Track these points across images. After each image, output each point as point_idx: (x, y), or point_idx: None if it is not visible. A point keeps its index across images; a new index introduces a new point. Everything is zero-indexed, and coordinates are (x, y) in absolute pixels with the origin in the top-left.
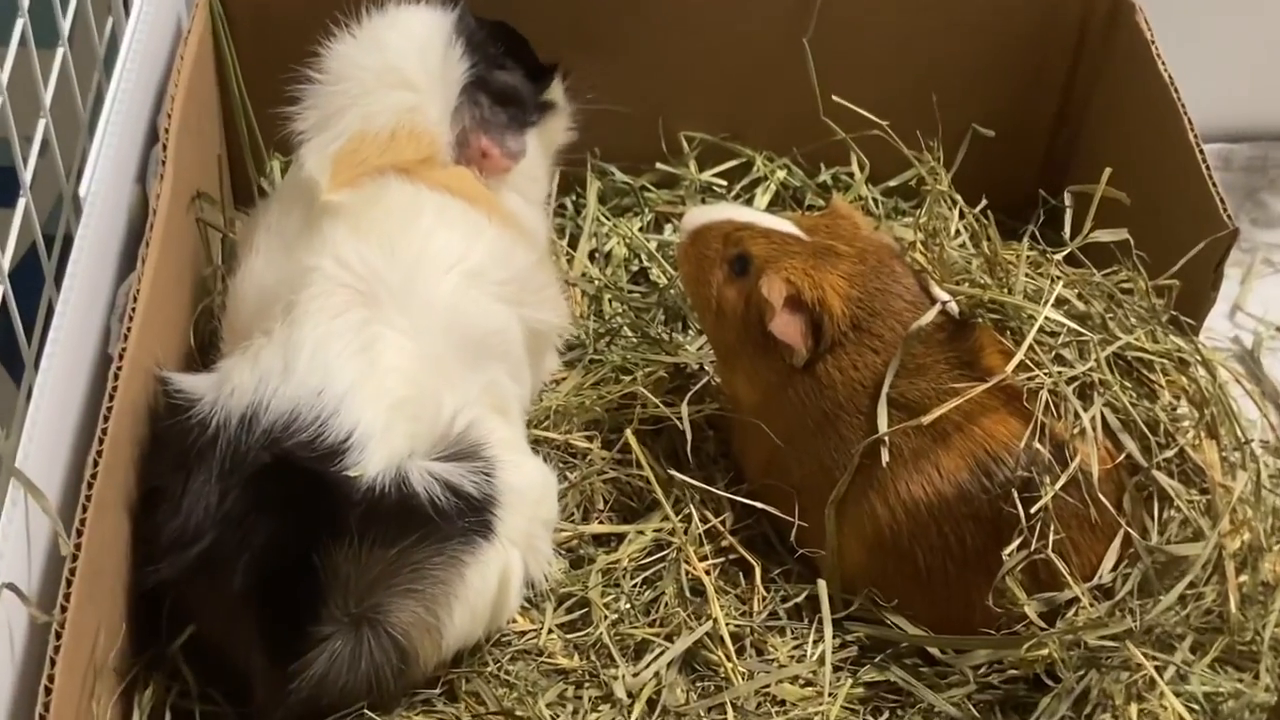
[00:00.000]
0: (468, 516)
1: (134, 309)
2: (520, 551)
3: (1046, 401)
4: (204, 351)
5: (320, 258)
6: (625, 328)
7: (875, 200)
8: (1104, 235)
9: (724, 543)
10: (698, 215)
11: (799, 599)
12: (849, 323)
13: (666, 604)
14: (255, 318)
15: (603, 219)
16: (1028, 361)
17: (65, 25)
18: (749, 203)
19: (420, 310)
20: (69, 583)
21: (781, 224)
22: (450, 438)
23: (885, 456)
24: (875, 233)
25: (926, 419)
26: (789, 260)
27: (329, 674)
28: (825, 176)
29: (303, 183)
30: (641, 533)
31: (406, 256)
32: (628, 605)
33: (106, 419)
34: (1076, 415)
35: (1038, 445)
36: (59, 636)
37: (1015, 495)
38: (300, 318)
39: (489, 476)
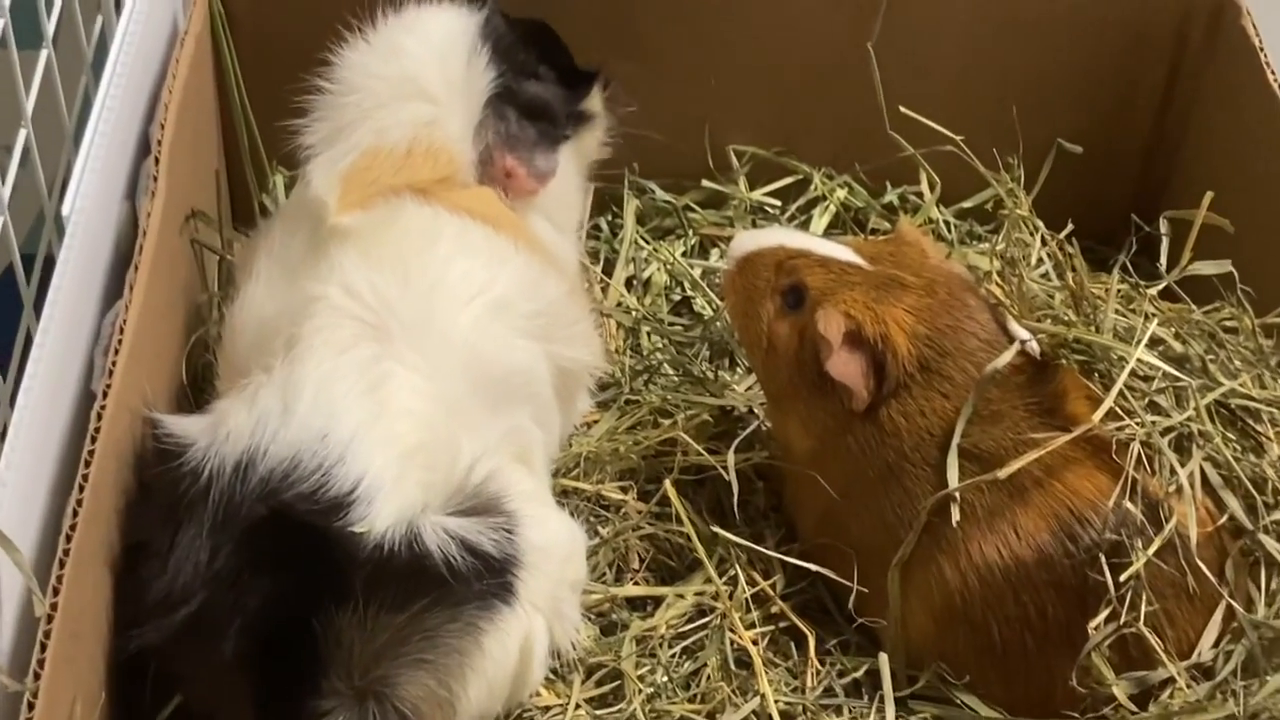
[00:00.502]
0: (486, 578)
1: (120, 341)
2: (544, 617)
3: (1138, 455)
4: (197, 388)
5: (326, 286)
6: (665, 364)
7: (947, 224)
8: (1205, 267)
9: (774, 609)
10: (747, 241)
11: (858, 674)
12: (916, 363)
13: (709, 677)
14: (254, 352)
15: (641, 242)
16: (1117, 409)
17: (50, 25)
18: (805, 225)
19: (436, 346)
20: (44, 647)
21: (840, 251)
22: (467, 489)
23: (956, 515)
24: (946, 262)
25: (1003, 473)
26: (848, 292)
27: None
28: (891, 196)
29: (309, 203)
30: (681, 596)
31: (421, 286)
32: (665, 678)
33: (88, 463)
34: (1172, 471)
35: (1128, 504)
36: (31, 707)
37: (1103, 561)
38: (303, 353)
39: (510, 534)
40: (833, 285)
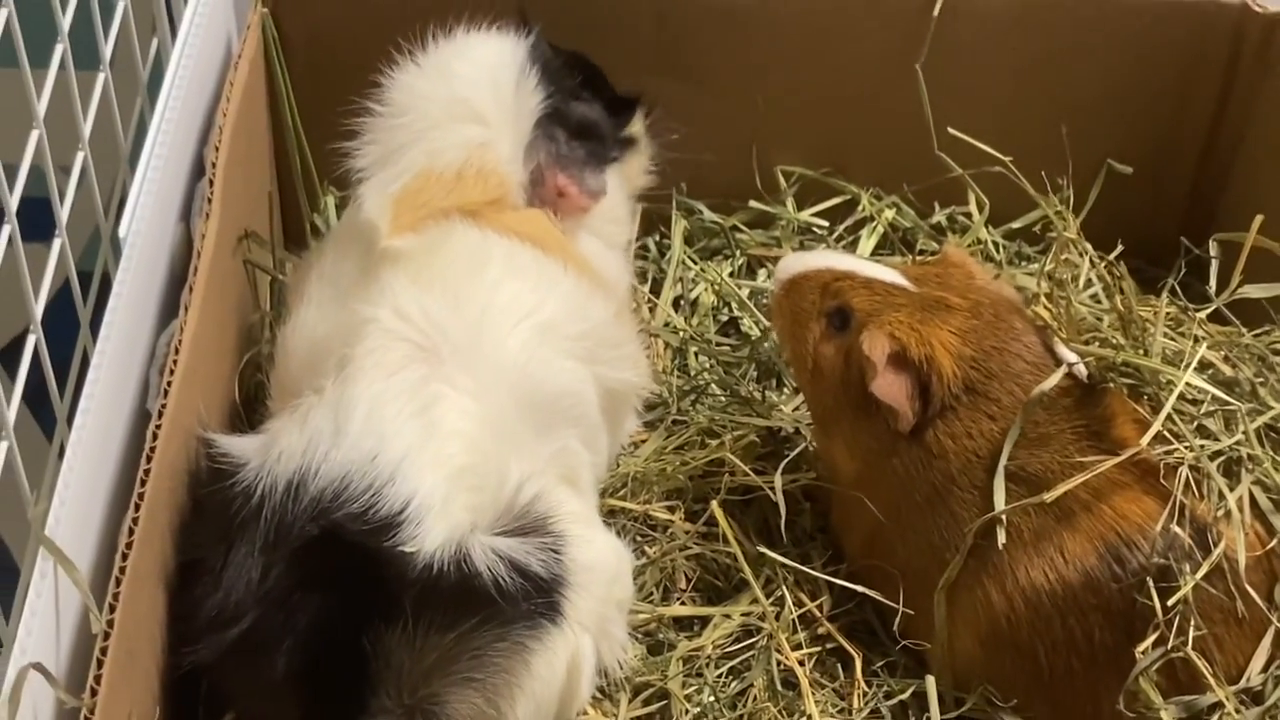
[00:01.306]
0: (534, 598)
1: (175, 361)
2: (592, 637)
3: (1187, 479)
4: (249, 407)
5: (378, 309)
6: (713, 385)
7: (996, 244)
8: (1255, 290)
9: (821, 630)
10: (793, 263)
11: (904, 695)
12: (961, 384)
13: (755, 698)
14: (306, 373)
15: (689, 262)
16: (1165, 433)
17: (108, 48)
18: (853, 246)
19: (486, 369)
20: (100, 663)
21: (886, 273)
22: (515, 510)
23: (1002, 537)
24: (993, 283)
25: (1049, 496)
26: (893, 313)
27: None
28: (939, 217)
29: (360, 225)
30: (728, 616)
31: (472, 309)
32: (711, 698)
33: (144, 482)
34: (1221, 495)
35: (1176, 528)
36: None
37: (1150, 585)
38: (354, 374)
39: (557, 554)
40: (878, 307)
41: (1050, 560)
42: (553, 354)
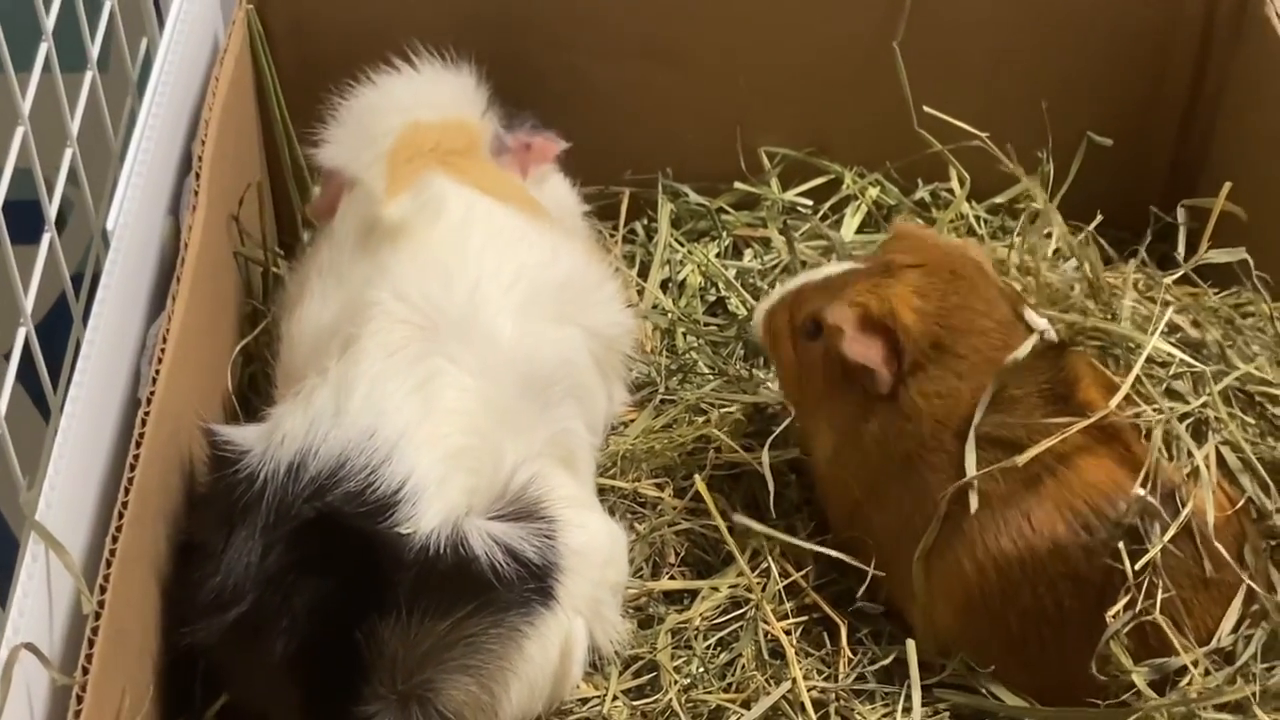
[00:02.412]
0: (528, 584)
1: (163, 350)
2: (585, 620)
3: (1154, 441)
4: (242, 396)
5: (380, 291)
6: (700, 363)
7: (979, 219)
8: (1219, 255)
9: (807, 599)
10: (761, 305)
11: (888, 661)
12: (929, 341)
13: (743, 667)
14: (311, 358)
15: (676, 245)
16: (1133, 396)
17: (94, 48)
18: (837, 225)
19: (483, 345)
20: (91, 643)
21: (839, 267)
22: (509, 494)
23: (974, 503)
24: (953, 242)
25: (1021, 459)
26: (850, 288)
27: None
28: (923, 193)
29: (357, 196)
30: (715, 589)
31: (463, 286)
32: (700, 669)
33: (133, 467)
34: (1189, 455)
35: (1143, 491)
36: (80, 700)
37: (1121, 548)
38: (357, 354)
39: (550, 539)
40: (837, 291)
41: (1018, 527)
42: (543, 324)
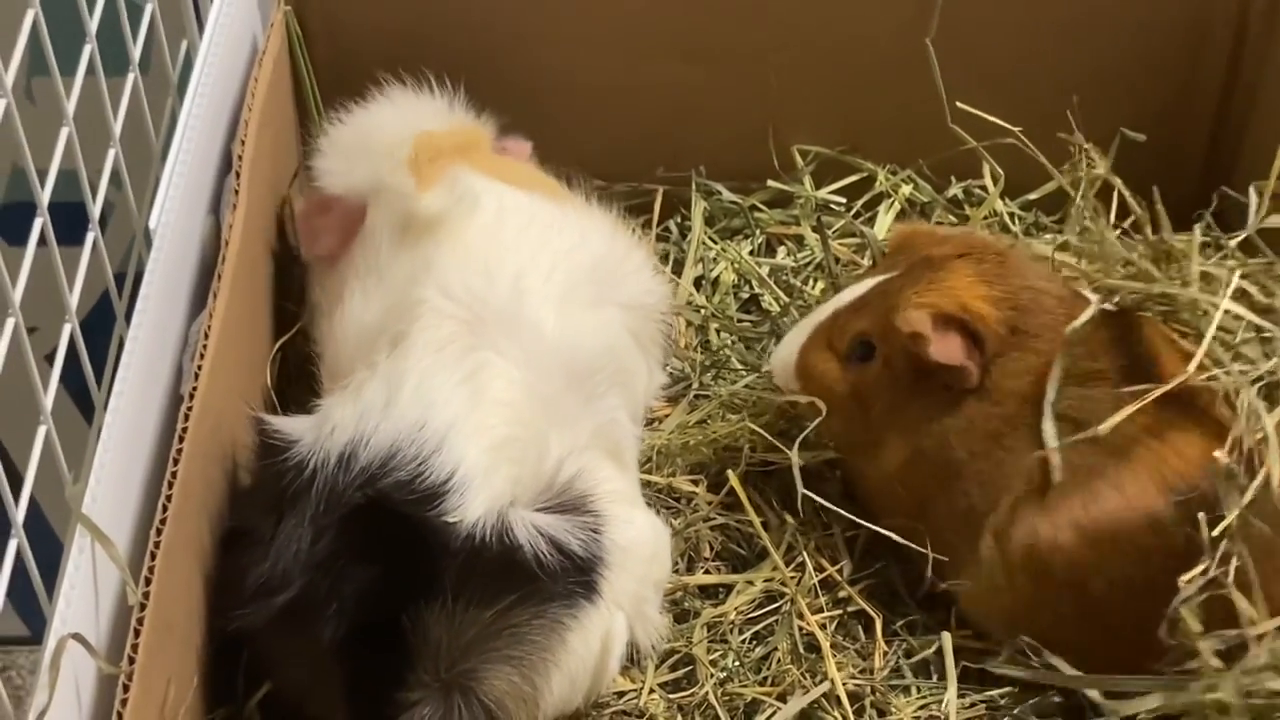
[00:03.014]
0: (572, 576)
1: (205, 346)
2: (626, 615)
3: (1232, 407)
4: (281, 392)
5: (426, 289)
6: (734, 359)
7: (1013, 216)
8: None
9: (842, 593)
10: (780, 353)
11: (926, 653)
12: (1005, 325)
13: (779, 660)
14: (358, 354)
15: (709, 242)
16: (1207, 362)
17: (136, 50)
18: (871, 221)
19: (528, 337)
20: (137, 633)
21: (863, 285)
22: (555, 487)
23: (1057, 474)
24: (964, 231)
25: (1104, 428)
26: (905, 294)
27: None
28: (956, 190)
29: (387, 202)
30: (751, 583)
31: (504, 277)
32: (736, 663)
33: (176, 461)
34: (1258, 419)
35: (1223, 457)
36: (126, 690)
37: (1201, 517)
38: (406, 350)
39: (596, 534)
40: (887, 305)
41: (1104, 496)
42: (583, 311)
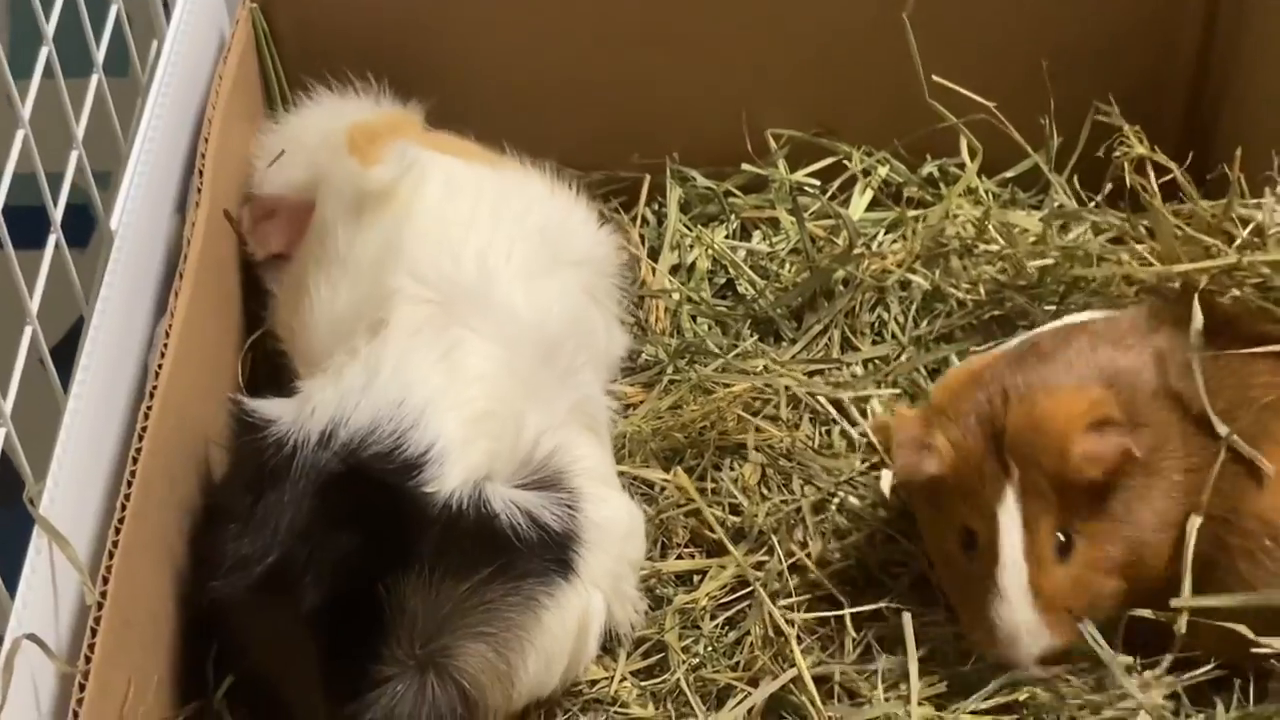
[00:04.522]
0: (548, 552)
1: (165, 345)
2: (603, 594)
3: None
4: (251, 388)
5: (397, 277)
6: (707, 341)
7: (989, 193)
8: None
9: (811, 575)
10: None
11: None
12: (1119, 401)
13: (751, 645)
14: (334, 340)
15: (685, 229)
16: None
17: (100, 52)
18: (846, 203)
19: (502, 316)
20: (94, 632)
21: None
22: (532, 464)
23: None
24: (999, 352)
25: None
26: (1023, 422)
27: None
28: (931, 168)
29: (336, 181)
30: (723, 568)
31: (468, 256)
32: (708, 649)
33: (136, 460)
34: None
35: None
36: (83, 688)
37: None
38: (386, 335)
39: (572, 510)
40: (982, 474)
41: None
42: (543, 280)
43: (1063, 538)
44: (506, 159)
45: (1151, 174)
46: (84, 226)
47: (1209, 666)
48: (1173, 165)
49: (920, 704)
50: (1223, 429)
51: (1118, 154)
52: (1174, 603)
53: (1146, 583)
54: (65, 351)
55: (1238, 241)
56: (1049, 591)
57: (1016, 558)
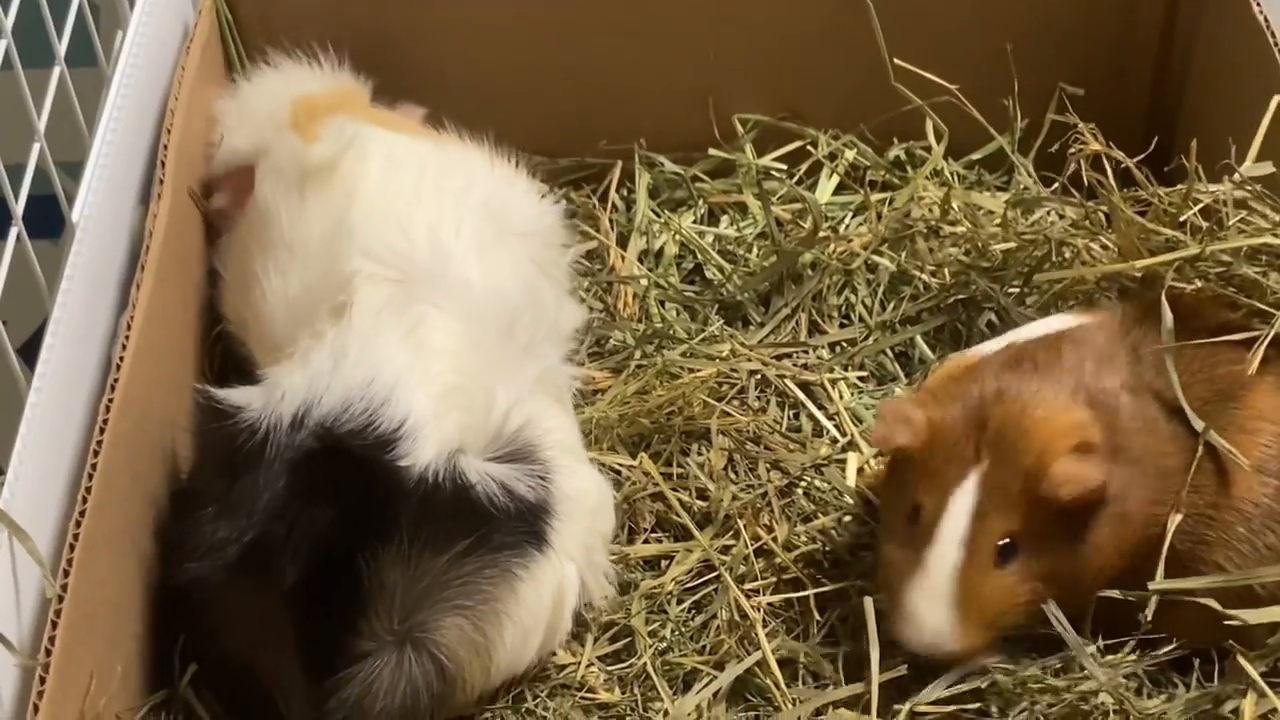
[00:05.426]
0: (523, 522)
1: (127, 337)
2: (577, 566)
3: None
4: (222, 378)
5: (353, 260)
6: (675, 327)
7: (955, 175)
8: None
9: (778, 559)
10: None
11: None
12: (1101, 426)
13: (717, 629)
14: (294, 326)
15: (654, 215)
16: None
17: (62, 44)
18: (813, 188)
19: (460, 291)
20: (54, 625)
21: (953, 486)
22: (504, 437)
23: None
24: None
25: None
26: (1004, 452)
27: (366, 696)
28: (898, 151)
29: (280, 157)
30: (689, 551)
31: (420, 235)
32: (675, 633)
33: (97, 452)
34: None
35: None
36: (43, 681)
37: None
38: (350, 318)
39: (544, 481)
40: (970, 495)
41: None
42: (493, 253)
43: (1008, 542)
44: (446, 134)
45: (1109, 169)
46: (57, 219)
47: (1170, 647)
48: (1128, 160)
49: (881, 687)
50: (1199, 424)
51: (1073, 150)
52: (1151, 585)
53: (1075, 598)
54: (36, 348)
55: (1201, 234)
56: (970, 590)
57: (954, 541)
